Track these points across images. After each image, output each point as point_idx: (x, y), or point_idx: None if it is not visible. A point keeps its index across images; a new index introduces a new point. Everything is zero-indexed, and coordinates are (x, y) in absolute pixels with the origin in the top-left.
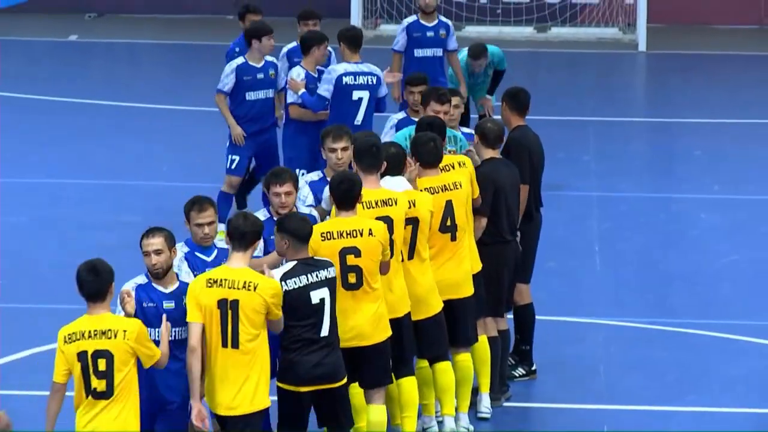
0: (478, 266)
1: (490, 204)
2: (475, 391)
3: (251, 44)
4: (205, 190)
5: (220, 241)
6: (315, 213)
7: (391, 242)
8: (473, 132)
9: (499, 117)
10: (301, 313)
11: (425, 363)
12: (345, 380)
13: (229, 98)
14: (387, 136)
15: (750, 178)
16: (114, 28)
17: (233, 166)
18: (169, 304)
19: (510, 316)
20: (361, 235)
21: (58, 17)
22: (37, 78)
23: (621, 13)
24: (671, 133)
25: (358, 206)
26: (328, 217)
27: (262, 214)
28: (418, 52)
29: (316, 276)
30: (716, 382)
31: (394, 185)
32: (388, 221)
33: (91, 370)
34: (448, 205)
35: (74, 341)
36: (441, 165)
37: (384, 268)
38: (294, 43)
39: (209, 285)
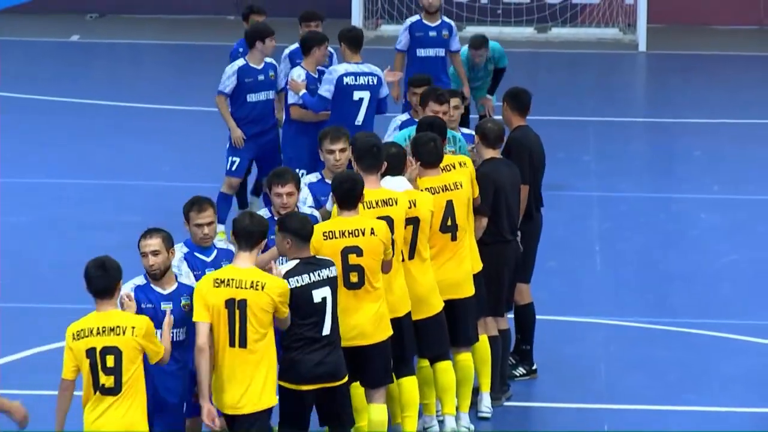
0: (479, 266)
1: (490, 204)
2: (476, 391)
3: (254, 45)
4: (205, 190)
5: (220, 241)
6: (316, 214)
7: (392, 242)
8: (474, 132)
9: (499, 117)
10: (303, 311)
11: (426, 362)
12: (346, 379)
13: (229, 100)
14: (391, 137)
15: (750, 178)
16: (116, 28)
17: (233, 168)
18: (166, 305)
19: (510, 315)
20: (363, 234)
21: (59, 17)
22: (39, 78)
23: (621, 14)
24: (671, 134)
25: (359, 206)
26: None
27: (263, 214)
28: (421, 52)
29: (318, 275)
30: (716, 382)
31: (395, 185)
32: (388, 221)
33: (99, 367)
34: (449, 205)
35: (83, 338)
36: (442, 165)
37: (386, 266)
38: (296, 45)
39: (216, 285)
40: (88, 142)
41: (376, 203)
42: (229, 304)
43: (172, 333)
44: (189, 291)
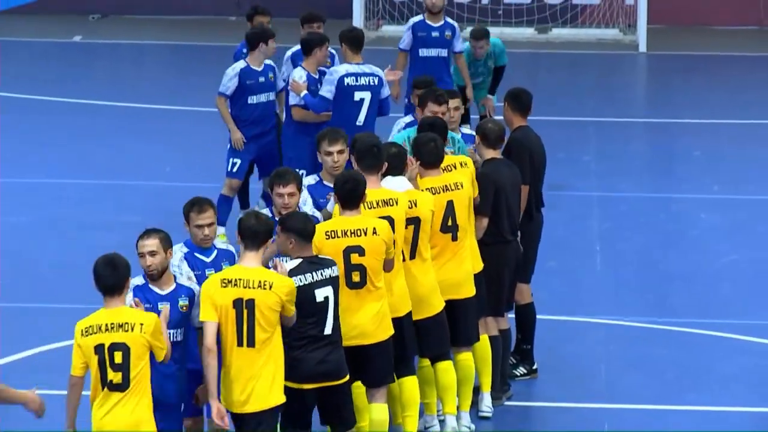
0: (480, 266)
1: (491, 204)
2: (477, 390)
3: (256, 47)
4: (205, 191)
5: (221, 243)
6: (318, 215)
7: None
8: (474, 133)
9: (500, 117)
10: (306, 310)
11: (427, 362)
12: (348, 378)
13: (229, 101)
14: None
15: (750, 179)
16: (118, 29)
17: (234, 170)
18: (164, 306)
19: (511, 315)
20: (366, 234)
21: (61, 18)
22: (41, 79)
23: (621, 14)
24: (671, 134)
25: (361, 206)
26: None
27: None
28: (423, 52)
29: (321, 274)
30: (716, 381)
31: (396, 185)
32: (389, 221)
33: (107, 363)
34: (449, 205)
35: (91, 334)
36: (443, 165)
37: (388, 265)
38: (298, 46)
39: (224, 285)
40: (88, 142)
41: (377, 203)
42: (237, 303)
43: (170, 333)
44: (187, 292)
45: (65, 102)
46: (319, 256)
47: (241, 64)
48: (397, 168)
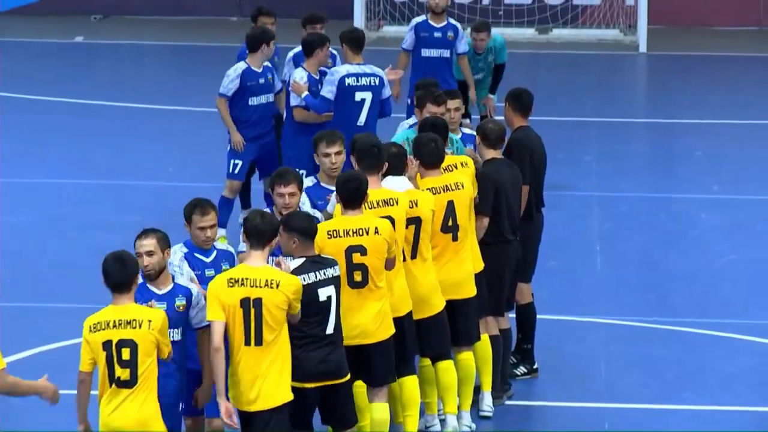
0: (480, 266)
1: (491, 204)
2: (477, 390)
3: (258, 49)
4: (205, 191)
5: (221, 245)
6: (318, 215)
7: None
8: (474, 133)
9: (501, 117)
10: (309, 310)
11: (428, 362)
12: (348, 377)
13: (229, 102)
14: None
15: (750, 179)
16: (119, 29)
17: (236, 171)
18: (160, 306)
19: (512, 315)
20: (367, 233)
21: (63, 19)
22: (43, 79)
23: (622, 15)
24: (672, 134)
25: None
26: None
27: None
28: (425, 52)
29: (324, 273)
30: (716, 381)
31: (396, 185)
32: (389, 221)
33: (115, 359)
34: (450, 205)
35: (99, 330)
36: (443, 165)
37: (389, 264)
38: (300, 47)
39: (231, 284)
40: (88, 142)
41: (377, 203)
42: (244, 303)
43: (169, 333)
44: (184, 292)
45: (66, 102)
46: (322, 255)
47: (242, 66)
48: (397, 168)
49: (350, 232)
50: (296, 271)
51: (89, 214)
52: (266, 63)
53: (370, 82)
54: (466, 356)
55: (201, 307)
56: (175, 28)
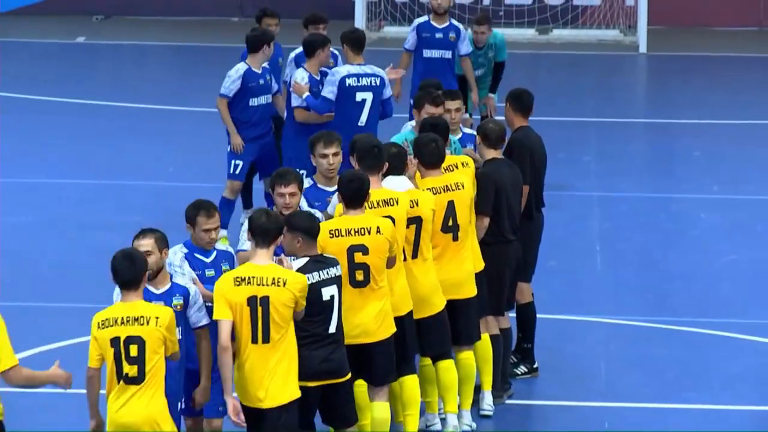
0: (481, 265)
1: (492, 204)
2: (478, 389)
3: (259, 49)
4: (205, 191)
5: (222, 246)
6: (319, 215)
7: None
8: (475, 133)
9: (501, 117)
10: (313, 309)
11: (428, 361)
12: (349, 376)
13: (229, 103)
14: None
15: (749, 179)
16: (121, 30)
17: (237, 171)
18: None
19: (512, 314)
20: (369, 233)
21: (65, 19)
22: (44, 79)
23: (622, 15)
24: (671, 134)
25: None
26: None
27: None
28: (427, 53)
29: (327, 273)
30: (715, 380)
31: (397, 185)
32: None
33: (123, 356)
34: (450, 205)
35: (107, 327)
36: (444, 165)
37: (390, 262)
38: (301, 48)
39: (237, 283)
40: (88, 142)
41: (378, 203)
42: (251, 301)
43: None
44: (182, 291)
45: (67, 102)
46: (324, 255)
47: (243, 67)
48: (397, 168)
49: (352, 232)
50: (300, 271)
51: (89, 214)
52: (264, 64)
53: (370, 82)
54: (467, 356)
55: (199, 306)
56: (176, 29)
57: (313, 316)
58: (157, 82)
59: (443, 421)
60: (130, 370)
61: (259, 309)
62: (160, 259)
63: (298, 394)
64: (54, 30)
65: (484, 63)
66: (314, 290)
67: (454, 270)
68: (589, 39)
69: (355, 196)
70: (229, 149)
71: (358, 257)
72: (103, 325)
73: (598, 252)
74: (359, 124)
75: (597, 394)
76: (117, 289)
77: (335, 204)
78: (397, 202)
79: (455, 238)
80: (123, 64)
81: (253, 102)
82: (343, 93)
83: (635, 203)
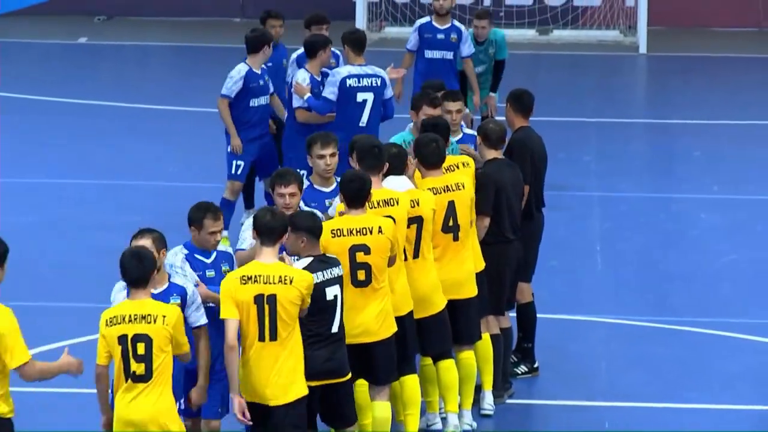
0: (482, 265)
1: (492, 204)
2: (478, 389)
3: (260, 50)
4: (205, 191)
5: (223, 247)
6: (320, 215)
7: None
8: (475, 133)
9: (502, 118)
10: (317, 308)
11: (429, 360)
12: (350, 376)
13: (230, 104)
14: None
15: (749, 179)
16: (123, 30)
17: (238, 172)
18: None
19: (512, 314)
20: (371, 233)
21: (67, 20)
22: (46, 80)
23: (622, 16)
24: (671, 134)
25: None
26: None
27: None
28: (428, 53)
29: (330, 273)
30: (716, 380)
31: (397, 185)
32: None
33: (130, 354)
34: (451, 205)
35: (115, 325)
36: (445, 165)
37: (390, 261)
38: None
39: (244, 282)
40: (88, 142)
41: (378, 203)
42: (258, 299)
43: None
44: (179, 291)
45: (69, 102)
46: (326, 255)
47: (245, 67)
48: (397, 168)
49: (354, 231)
50: (306, 270)
51: (89, 214)
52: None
53: (371, 83)
54: (467, 355)
55: (197, 306)
56: (178, 29)
57: (317, 315)
58: (159, 83)
59: (444, 420)
60: (138, 368)
61: (267, 307)
62: (157, 259)
63: (305, 391)
64: (56, 30)
65: (485, 60)
66: (318, 290)
67: (455, 270)
68: (589, 39)
69: (356, 196)
70: (228, 150)
71: (360, 257)
72: (111, 322)
73: (599, 252)
74: (360, 124)
75: (597, 393)
76: (115, 289)
77: (337, 203)
78: (397, 202)
79: (456, 239)
80: (125, 65)
81: (254, 103)
82: (343, 93)
83: (635, 203)
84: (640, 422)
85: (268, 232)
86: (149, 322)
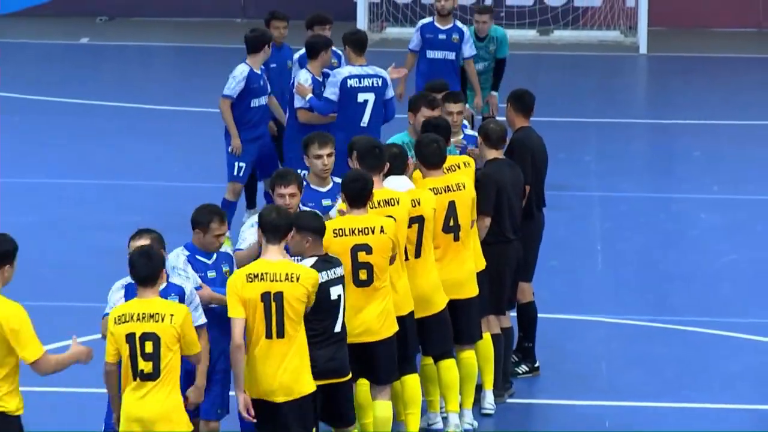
0: (482, 264)
1: (493, 204)
2: (479, 388)
3: (260, 50)
4: (205, 191)
5: (223, 247)
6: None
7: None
8: (476, 133)
9: (503, 117)
10: (321, 308)
11: (430, 360)
12: (350, 376)
13: (231, 104)
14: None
15: (749, 179)
16: (125, 31)
17: (240, 174)
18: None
19: (513, 313)
20: (373, 232)
21: (69, 20)
22: (48, 80)
23: (622, 16)
24: (671, 134)
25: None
26: None
27: None
28: (430, 54)
29: (334, 273)
30: (715, 379)
31: (398, 185)
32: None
33: (138, 352)
34: (451, 205)
35: (123, 323)
36: (446, 165)
37: (390, 260)
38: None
39: (250, 280)
40: (88, 142)
41: (379, 203)
42: (265, 297)
43: None
44: (177, 290)
45: (69, 102)
46: (329, 254)
47: (246, 68)
48: (398, 168)
49: (356, 231)
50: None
51: (89, 214)
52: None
53: (372, 83)
54: (468, 355)
55: (195, 306)
56: (179, 30)
57: (321, 314)
58: (161, 83)
59: (445, 419)
60: (146, 366)
61: (273, 304)
62: None
63: (312, 387)
64: (58, 31)
65: (486, 57)
66: (323, 290)
67: (456, 270)
68: (589, 40)
69: (358, 196)
70: (229, 151)
71: (362, 256)
72: (119, 320)
73: (599, 252)
74: (361, 124)
75: (598, 392)
76: (112, 289)
77: (337, 205)
78: (398, 202)
79: (456, 239)
80: (127, 65)
81: (255, 103)
82: (344, 94)
83: (635, 203)
84: (640, 422)
85: (273, 230)
86: (157, 321)
